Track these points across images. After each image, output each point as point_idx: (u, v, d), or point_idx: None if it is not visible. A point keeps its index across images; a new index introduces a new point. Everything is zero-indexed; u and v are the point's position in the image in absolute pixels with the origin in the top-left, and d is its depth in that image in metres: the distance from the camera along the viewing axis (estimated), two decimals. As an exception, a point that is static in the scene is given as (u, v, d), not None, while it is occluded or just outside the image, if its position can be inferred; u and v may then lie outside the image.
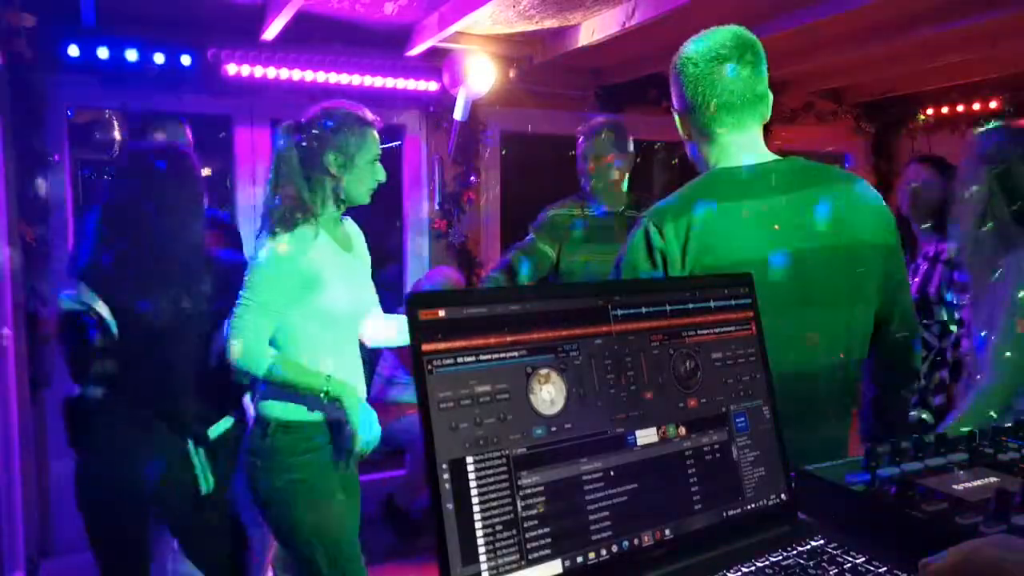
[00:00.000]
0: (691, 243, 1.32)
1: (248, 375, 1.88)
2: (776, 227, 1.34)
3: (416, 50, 3.76)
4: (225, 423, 2.11)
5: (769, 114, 1.46)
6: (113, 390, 2.01)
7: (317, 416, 1.94)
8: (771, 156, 1.43)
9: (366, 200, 2.01)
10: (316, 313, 1.90)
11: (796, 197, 1.37)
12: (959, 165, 2.04)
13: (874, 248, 1.39)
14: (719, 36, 1.41)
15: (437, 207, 4.22)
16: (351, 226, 2.14)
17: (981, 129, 1.99)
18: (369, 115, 1.99)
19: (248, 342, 1.83)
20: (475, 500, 0.74)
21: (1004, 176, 1.83)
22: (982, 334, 1.82)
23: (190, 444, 2.03)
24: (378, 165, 2.00)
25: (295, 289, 1.87)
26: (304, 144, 1.94)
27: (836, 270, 1.36)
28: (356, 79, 3.78)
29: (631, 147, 2.87)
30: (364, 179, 1.97)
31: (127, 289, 1.95)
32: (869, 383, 1.55)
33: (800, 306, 1.34)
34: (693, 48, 1.42)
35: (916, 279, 2.92)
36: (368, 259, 2.19)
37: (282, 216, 1.88)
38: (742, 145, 1.42)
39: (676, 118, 1.50)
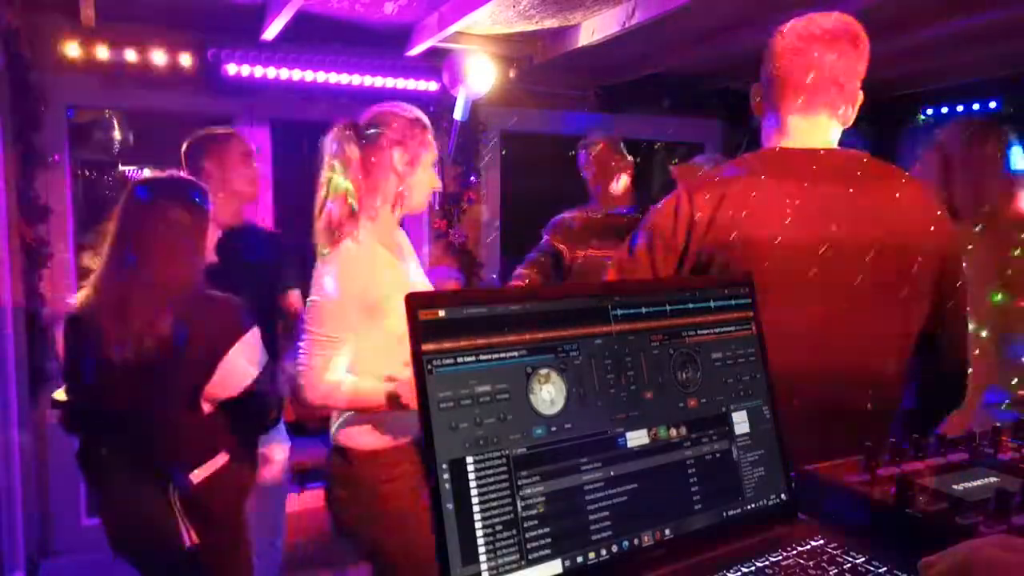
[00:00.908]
0: (720, 213, 1.28)
1: (327, 409, 1.83)
2: (816, 214, 1.29)
3: (416, 50, 3.76)
4: (213, 465, 1.97)
5: (851, 115, 1.40)
6: (93, 432, 1.95)
7: (402, 440, 1.86)
8: (832, 146, 1.38)
9: (423, 207, 1.95)
10: (383, 336, 1.79)
11: (845, 188, 1.31)
12: (920, 155, 2.10)
13: (921, 252, 1.32)
14: (821, 18, 1.36)
15: (437, 207, 4.22)
16: (401, 233, 2.05)
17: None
18: (425, 118, 1.96)
19: (324, 377, 1.72)
20: (475, 500, 0.74)
21: (948, 163, 1.89)
22: None
23: (171, 493, 1.92)
24: (434, 171, 1.95)
25: (360, 318, 1.75)
26: (367, 143, 1.84)
27: (874, 268, 1.29)
28: (356, 79, 3.78)
29: (626, 154, 3.29)
30: (425, 182, 1.91)
31: (111, 320, 1.83)
32: (910, 396, 1.47)
33: (828, 300, 1.29)
34: (792, 23, 1.38)
35: None
36: (416, 258, 2.11)
37: (337, 228, 1.78)
38: (806, 130, 1.37)
39: (752, 91, 1.46)
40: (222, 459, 1.97)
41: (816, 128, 1.38)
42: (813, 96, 1.35)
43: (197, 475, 1.93)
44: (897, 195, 1.34)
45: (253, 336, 1.96)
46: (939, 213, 1.37)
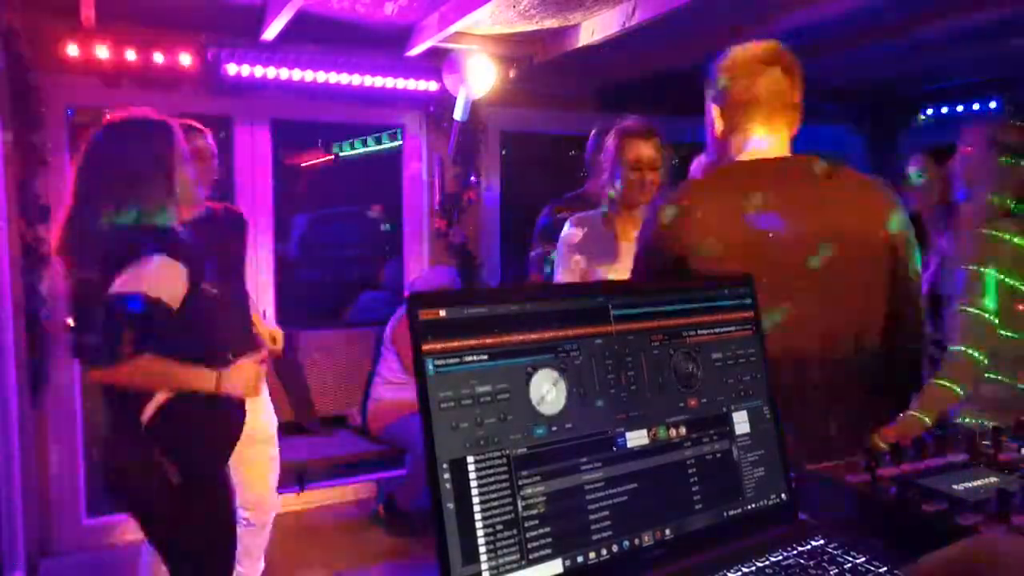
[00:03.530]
0: (694, 227, 1.38)
1: None
2: (783, 215, 1.39)
3: (416, 50, 3.76)
4: (156, 401, 1.90)
5: (797, 124, 1.53)
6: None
7: None
8: (787, 153, 1.50)
9: None
10: None
11: (806, 190, 1.43)
12: (965, 155, 2.11)
13: (882, 241, 1.43)
14: (763, 44, 1.50)
15: (437, 207, 4.22)
16: None
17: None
18: None
19: None
20: (475, 500, 0.74)
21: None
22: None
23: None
24: None
25: None
26: None
27: (842, 261, 1.39)
28: (356, 79, 3.78)
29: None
30: None
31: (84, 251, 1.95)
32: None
33: (806, 296, 1.38)
34: (735, 51, 1.51)
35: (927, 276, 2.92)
36: None
37: None
38: (764, 140, 1.49)
39: (714, 109, 1.55)
40: (163, 396, 1.92)
41: (777, 139, 1.50)
42: (773, 112, 1.48)
43: (146, 412, 1.90)
44: (850, 191, 1.46)
45: (144, 266, 1.86)
46: (893, 204, 1.48)
